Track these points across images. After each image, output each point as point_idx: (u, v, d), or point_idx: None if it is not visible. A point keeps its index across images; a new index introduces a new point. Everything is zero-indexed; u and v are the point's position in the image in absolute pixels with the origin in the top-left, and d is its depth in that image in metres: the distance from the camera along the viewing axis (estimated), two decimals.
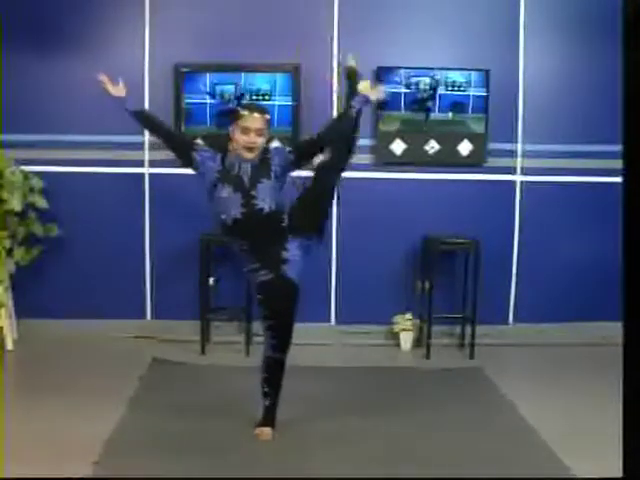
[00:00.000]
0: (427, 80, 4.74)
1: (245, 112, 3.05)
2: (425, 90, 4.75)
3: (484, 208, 4.90)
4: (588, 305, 4.93)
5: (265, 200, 3.04)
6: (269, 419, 3.21)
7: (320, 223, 3.21)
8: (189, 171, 4.75)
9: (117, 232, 4.84)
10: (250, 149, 3.04)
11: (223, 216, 3.09)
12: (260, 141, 3.05)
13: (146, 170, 4.83)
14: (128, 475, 2.81)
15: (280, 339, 3.13)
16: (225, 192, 3.06)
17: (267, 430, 3.19)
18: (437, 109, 4.77)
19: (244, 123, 3.02)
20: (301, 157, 3.14)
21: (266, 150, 3.13)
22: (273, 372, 3.17)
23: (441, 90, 4.75)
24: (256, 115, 3.03)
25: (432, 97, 4.76)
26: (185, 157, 3.19)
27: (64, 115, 4.73)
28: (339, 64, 3.17)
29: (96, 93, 4.69)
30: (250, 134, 3.01)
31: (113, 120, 4.71)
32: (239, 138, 3.04)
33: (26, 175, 4.57)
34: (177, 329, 4.81)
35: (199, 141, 3.25)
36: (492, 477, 2.85)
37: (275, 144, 3.24)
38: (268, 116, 3.11)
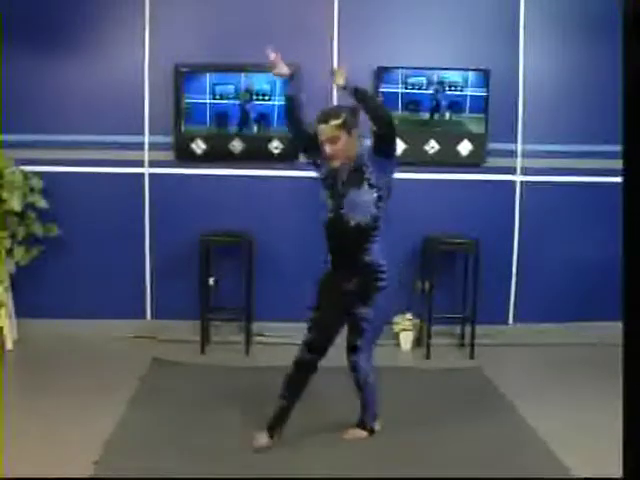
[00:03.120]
0: (427, 80, 4.74)
1: (316, 124, 3.00)
2: (425, 90, 4.75)
3: (484, 208, 4.90)
4: (588, 305, 4.93)
5: (354, 212, 2.98)
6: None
7: None
8: (189, 171, 4.83)
9: (117, 232, 4.84)
10: (330, 158, 3.00)
11: (323, 216, 3.09)
12: (336, 148, 2.96)
13: (146, 170, 4.83)
14: (128, 475, 2.81)
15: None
16: (323, 195, 3.07)
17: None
18: (437, 109, 4.77)
19: (319, 136, 3.00)
20: (376, 145, 2.98)
21: (360, 157, 3.02)
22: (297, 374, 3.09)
23: (441, 90, 4.75)
24: (322, 126, 2.97)
25: (432, 97, 4.76)
26: (313, 153, 3.13)
27: (64, 115, 4.73)
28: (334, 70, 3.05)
29: (96, 93, 4.75)
30: (325, 145, 2.98)
31: (113, 120, 4.75)
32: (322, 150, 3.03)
33: (26, 175, 4.58)
34: (177, 329, 4.81)
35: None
36: (492, 477, 2.85)
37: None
38: (336, 121, 2.95)
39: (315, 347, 3.02)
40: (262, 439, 3.07)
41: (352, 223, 2.99)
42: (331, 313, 3.06)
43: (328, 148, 2.97)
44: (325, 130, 2.96)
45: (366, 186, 2.98)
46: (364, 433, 3.24)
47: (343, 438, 3.21)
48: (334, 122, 2.95)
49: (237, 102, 4.70)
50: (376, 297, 3.06)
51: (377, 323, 3.12)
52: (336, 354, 3.11)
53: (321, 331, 3.04)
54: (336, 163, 2.99)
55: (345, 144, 2.97)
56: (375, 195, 3.00)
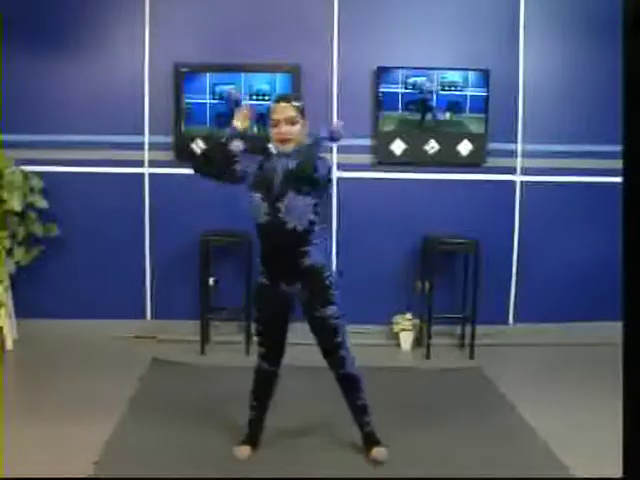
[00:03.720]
0: (427, 80, 4.74)
1: (273, 105, 2.90)
2: (425, 90, 4.75)
3: (484, 208, 4.90)
4: (588, 305, 4.93)
5: (290, 216, 2.81)
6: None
7: None
8: (189, 171, 4.82)
9: (117, 232, 4.84)
10: (283, 140, 2.85)
11: (254, 218, 2.93)
12: (293, 130, 2.84)
13: (146, 170, 4.83)
14: (128, 475, 2.81)
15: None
16: (255, 198, 2.88)
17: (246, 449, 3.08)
18: (437, 109, 4.77)
19: (272, 115, 2.86)
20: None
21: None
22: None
23: (441, 90, 4.75)
24: (282, 104, 2.86)
25: (432, 97, 4.76)
26: (232, 176, 2.97)
27: (64, 115, 4.73)
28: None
29: (96, 93, 4.75)
30: (280, 125, 2.83)
31: (113, 120, 4.76)
32: (272, 132, 2.88)
33: (26, 175, 4.58)
34: (177, 329, 4.81)
35: (238, 146, 2.89)
36: (491, 477, 2.85)
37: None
38: (297, 103, 2.87)
39: (272, 358, 3.03)
40: (245, 451, 3.05)
41: (289, 227, 2.84)
42: (278, 323, 3.01)
43: (285, 129, 2.83)
44: (286, 108, 2.84)
45: (304, 192, 2.82)
46: (384, 448, 3.02)
47: (341, 438, 3.20)
48: (296, 103, 2.88)
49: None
50: (332, 293, 2.95)
51: (342, 317, 2.99)
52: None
53: (274, 343, 3.03)
54: (288, 147, 2.85)
55: (300, 130, 2.87)
56: (313, 202, 2.85)
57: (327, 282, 2.94)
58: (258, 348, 3.07)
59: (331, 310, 2.95)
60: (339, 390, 3.06)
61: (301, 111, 2.89)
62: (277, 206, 2.83)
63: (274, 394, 3.11)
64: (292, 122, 2.84)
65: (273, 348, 3.04)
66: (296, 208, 2.82)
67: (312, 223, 2.88)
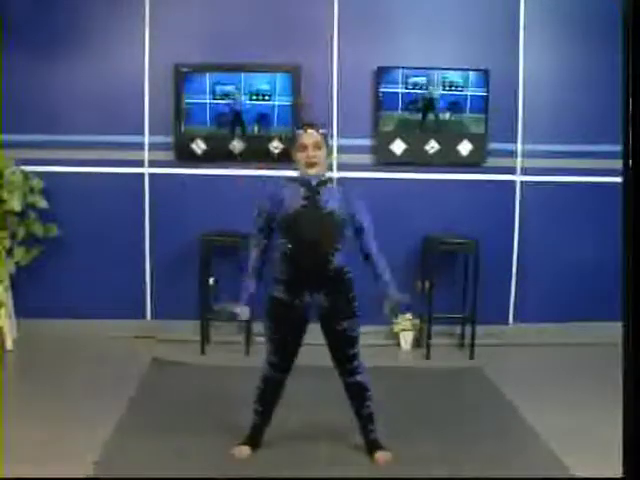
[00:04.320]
0: (427, 80, 4.74)
1: (300, 131, 3.00)
2: (425, 90, 4.75)
3: (484, 208, 4.90)
4: (588, 305, 4.93)
5: (328, 201, 2.93)
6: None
7: None
8: (189, 171, 4.84)
9: (117, 232, 4.84)
10: (311, 164, 2.95)
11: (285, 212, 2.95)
12: (319, 154, 2.96)
13: (146, 170, 4.83)
14: (128, 475, 2.81)
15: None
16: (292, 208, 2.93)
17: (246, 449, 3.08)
18: (437, 109, 4.77)
19: (300, 141, 2.96)
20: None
21: (330, 180, 3.03)
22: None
23: (441, 90, 4.75)
24: (309, 131, 2.97)
25: (432, 97, 4.76)
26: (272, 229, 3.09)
27: (64, 115, 4.73)
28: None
29: (96, 93, 4.76)
30: (307, 149, 2.94)
31: (113, 120, 4.76)
32: (298, 157, 2.97)
33: (26, 175, 4.58)
34: (177, 329, 4.81)
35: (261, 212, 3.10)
36: (492, 477, 2.85)
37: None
38: (323, 130, 3.02)
39: (282, 367, 3.03)
40: (245, 451, 3.05)
41: (326, 210, 2.92)
42: (294, 338, 3.01)
43: (312, 153, 2.93)
44: (312, 135, 2.95)
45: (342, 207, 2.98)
46: (389, 452, 3.05)
47: (340, 438, 3.20)
48: (321, 130, 3.01)
49: (232, 102, 4.69)
50: (355, 304, 3.04)
51: (359, 327, 3.06)
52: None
53: (286, 353, 3.02)
54: (314, 170, 2.95)
55: (325, 155, 3.01)
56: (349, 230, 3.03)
57: (352, 294, 3.07)
58: (268, 357, 3.04)
59: (352, 322, 3.00)
60: (344, 393, 3.06)
61: (325, 138, 3.01)
62: (314, 194, 2.94)
63: (279, 400, 3.09)
64: (319, 147, 2.97)
65: (286, 359, 3.03)
66: (332, 198, 2.95)
67: (345, 218, 2.99)
